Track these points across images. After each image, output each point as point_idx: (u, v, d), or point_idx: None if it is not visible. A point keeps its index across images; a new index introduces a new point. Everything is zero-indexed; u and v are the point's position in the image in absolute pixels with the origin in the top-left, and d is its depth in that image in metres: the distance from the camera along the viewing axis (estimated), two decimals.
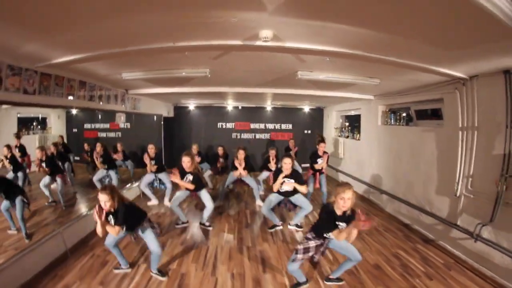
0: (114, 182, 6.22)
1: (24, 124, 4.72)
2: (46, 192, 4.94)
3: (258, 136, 10.14)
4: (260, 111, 10.11)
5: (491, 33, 2.30)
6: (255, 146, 9.88)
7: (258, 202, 6.51)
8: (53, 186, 5.03)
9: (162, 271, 3.67)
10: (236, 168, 6.06)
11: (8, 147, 4.36)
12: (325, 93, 6.09)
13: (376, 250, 4.40)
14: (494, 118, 3.65)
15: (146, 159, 6.11)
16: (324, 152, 5.90)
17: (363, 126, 7.45)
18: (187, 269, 3.86)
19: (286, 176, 4.61)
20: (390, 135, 6.26)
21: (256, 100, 8.78)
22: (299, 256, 3.14)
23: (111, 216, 3.22)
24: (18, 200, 3.93)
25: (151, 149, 6.23)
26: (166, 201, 6.47)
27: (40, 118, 5.37)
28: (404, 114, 6.09)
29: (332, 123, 9.52)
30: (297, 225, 5.24)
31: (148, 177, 6.33)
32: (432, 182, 4.84)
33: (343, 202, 2.90)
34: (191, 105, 9.81)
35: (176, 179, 4.78)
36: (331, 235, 3.05)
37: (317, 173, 5.97)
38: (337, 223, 3.02)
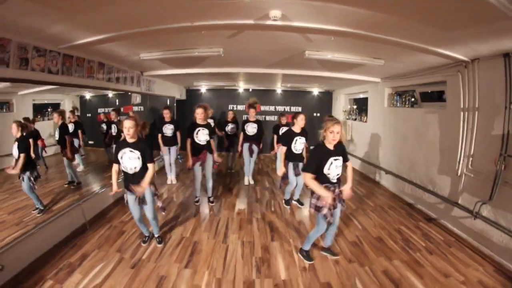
0: None
1: (39, 111, 4.74)
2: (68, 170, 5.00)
3: (268, 118, 10.23)
4: (271, 93, 10.20)
5: (487, 14, 2.38)
6: (265, 128, 9.76)
7: (248, 178, 6.73)
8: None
9: (161, 238, 3.90)
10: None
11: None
12: (332, 74, 6.14)
13: (379, 224, 4.60)
14: (494, 99, 3.71)
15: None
16: None
17: (370, 109, 7.54)
18: (199, 238, 4.12)
19: (298, 134, 4.72)
20: (395, 117, 6.35)
21: (267, 82, 8.84)
22: (324, 210, 3.12)
23: (129, 149, 3.30)
24: (25, 176, 3.86)
25: (166, 114, 6.34)
26: (173, 178, 6.73)
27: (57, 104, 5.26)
28: (409, 97, 6.12)
29: (340, 106, 9.58)
30: (299, 201, 5.39)
31: (166, 158, 6.55)
32: (434, 162, 4.94)
33: (333, 136, 3.00)
34: (203, 87, 9.94)
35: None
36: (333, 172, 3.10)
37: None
38: (332, 158, 3.07)
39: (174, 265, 3.42)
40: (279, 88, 9.99)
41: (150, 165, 3.37)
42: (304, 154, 4.96)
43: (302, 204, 5.36)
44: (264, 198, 5.79)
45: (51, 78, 3.74)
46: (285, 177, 4.92)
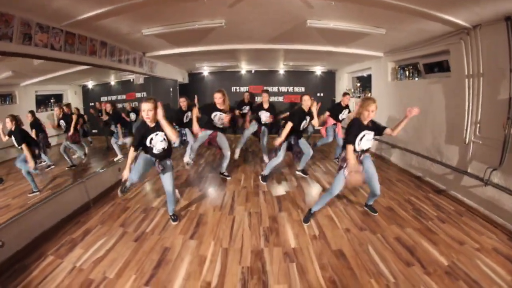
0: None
1: (42, 102, 4.69)
2: (65, 156, 4.93)
3: (271, 99, 9.75)
4: (273, 74, 9.94)
5: None
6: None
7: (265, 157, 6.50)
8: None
9: (176, 216, 3.70)
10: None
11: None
12: (334, 49, 5.92)
13: (388, 195, 4.43)
14: (498, 64, 3.55)
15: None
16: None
17: (374, 84, 7.29)
18: (205, 210, 3.99)
19: (306, 114, 4.68)
20: (399, 90, 6.17)
21: (269, 62, 8.57)
22: (346, 171, 3.19)
23: (155, 133, 3.22)
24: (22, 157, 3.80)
25: (183, 102, 6.25)
26: (186, 158, 6.47)
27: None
28: (413, 70, 5.91)
29: (343, 85, 9.31)
30: (303, 171, 5.40)
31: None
32: (441, 132, 4.76)
33: (368, 114, 3.13)
34: (205, 71, 9.72)
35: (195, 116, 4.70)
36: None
37: (339, 124, 6.05)
38: (365, 131, 3.20)
39: (178, 237, 3.29)
40: (281, 69, 9.72)
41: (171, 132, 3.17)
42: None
43: (306, 174, 5.40)
44: (270, 173, 5.56)
45: (54, 54, 3.61)
46: (277, 150, 4.83)
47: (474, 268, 2.66)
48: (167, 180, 3.44)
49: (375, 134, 3.32)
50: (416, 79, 5.77)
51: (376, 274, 2.62)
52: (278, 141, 4.44)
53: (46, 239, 3.21)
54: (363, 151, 3.33)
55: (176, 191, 3.55)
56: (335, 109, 6.07)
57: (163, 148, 3.31)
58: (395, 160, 6.32)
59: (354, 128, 3.18)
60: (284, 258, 2.89)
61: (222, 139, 4.98)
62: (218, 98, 4.67)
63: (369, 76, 7.59)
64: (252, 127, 6.13)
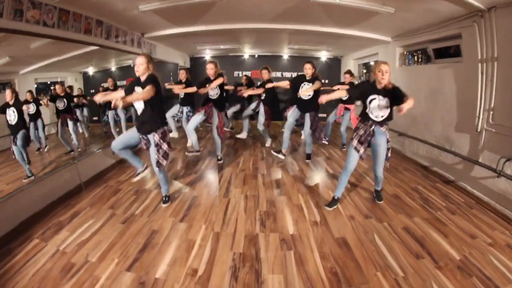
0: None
1: (42, 90, 4.55)
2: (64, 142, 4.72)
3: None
4: (277, 59, 9.54)
5: None
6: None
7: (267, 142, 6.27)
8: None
9: (168, 197, 3.44)
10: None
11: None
12: (340, 30, 5.58)
13: (394, 183, 4.12)
14: None
15: (171, 85, 5.97)
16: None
17: None
18: (199, 192, 3.74)
19: (307, 81, 4.57)
20: (408, 75, 5.80)
21: (273, 45, 8.20)
22: (355, 143, 3.06)
23: (138, 87, 2.96)
24: (20, 135, 3.58)
25: (182, 73, 6.13)
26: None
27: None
28: (422, 55, 5.55)
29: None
30: (308, 156, 5.14)
31: (174, 109, 6.20)
32: (451, 120, 4.41)
33: (381, 75, 2.84)
34: (207, 55, 9.35)
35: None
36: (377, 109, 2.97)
37: (352, 107, 5.69)
38: (376, 95, 2.95)
39: (168, 220, 3.04)
40: (285, 54, 9.32)
41: (148, 87, 2.82)
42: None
43: (309, 158, 5.13)
44: (271, 156, 5.34)
45: (46, 31, 3.43)
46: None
47: (487, 264, 2.36)
48: (151, 155, 3.13)
49: (391, 103, 2.94)
50: (425, 64, 5.39)
51: (383, 266, 2.31)
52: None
53: (34, 222, 3.00)
54: (376, 123, 3.01)
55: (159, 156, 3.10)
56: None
57: (143, 111, 2.96)
58: (400, 148, 5.98)
59: (361, 87, 3.02)
60: (281, 245, 2.59)
61: (214, 117, 4.66)
62: (210, 68, 4.46)
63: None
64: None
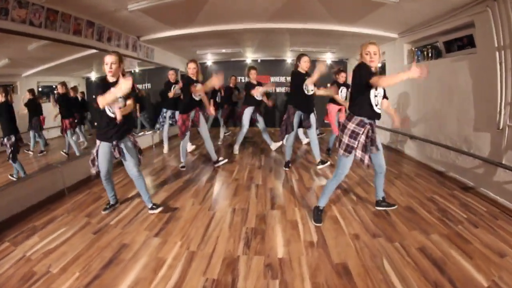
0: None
1: (45, 94, 4.54)
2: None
3: (278, 89, 9.19)
4: (280, 63, 9.07)
5: None
6: (275, 100, 8.89)
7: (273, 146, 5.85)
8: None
9: (156, 204, 3.08)
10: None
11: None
12: (343, 27, 5.10)
13: (407, 193, 3.52)
14: None
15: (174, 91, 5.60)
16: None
17: (389, 70, 6.31)
18: (183, 203, 3.29)
19: (307, 75, 4.08)
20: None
21: (275, 49, 7.77)
22: (357, 152, 2.54)
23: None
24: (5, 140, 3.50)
25: (171, 74, 5.80)
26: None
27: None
28: (432, 49, 5.00)
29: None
30: (322, 162, 4.53)
31: (167, 117, 5.80)
32: (468, 118, 3.82)
33: (370, 57, 2.42)
34: (209, 60, 9.00)
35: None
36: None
37: (343, 108, 5.11)
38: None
39: (142, 233, 2.64)
40: (289, 58, 8.83)
41: (130, 101, 2.73)
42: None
43: (325, 162, 4.53)
44: (269, 165, 4.84)
45: (32, 30, 3.31)
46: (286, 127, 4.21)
47: None
48: (129, 158, 2.87)
49: (384, 94, 2.62)
50: (436, 60, 4.83)
51: None
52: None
53: (9, 225, 2.80)
54: (377, 118, 2.59)
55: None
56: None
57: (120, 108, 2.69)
58: (411, 153, 5.35)
59: (366, 68, 2.41)
60: (265, 272, 2.06)
61: (202, 120, 4.36)
62: (192, 68, 4.15)
63: (383, 65, 6.61)
64: (247, 114, 5.44)
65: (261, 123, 5.56)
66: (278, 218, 2.88)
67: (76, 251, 2.34)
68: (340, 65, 8.95)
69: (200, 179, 4.13)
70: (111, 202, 3.14)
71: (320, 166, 4.49)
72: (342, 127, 2.59)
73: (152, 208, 3.02)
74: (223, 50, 7.57)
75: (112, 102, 2.56)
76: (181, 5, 3.83)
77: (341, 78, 5.16)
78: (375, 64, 2.44)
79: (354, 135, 2.50)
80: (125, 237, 2.58)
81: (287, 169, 4.52)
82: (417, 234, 2.51)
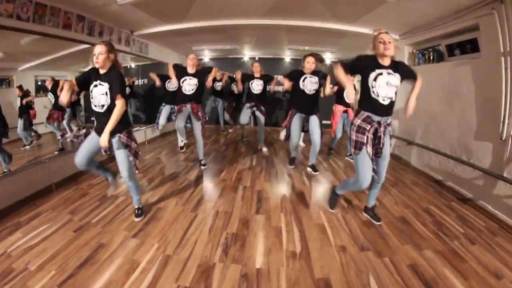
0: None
1: (42, 87, 4.49)
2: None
3: (276, 88, 8.85)
4: (279, 62, 8.89)
5: None
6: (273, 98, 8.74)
7: (262, 145, 5.71)
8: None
9: (141, 210, 2.89)
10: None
11: None
12: (342, 26, 4.91)
13: (402, 202, 3.34)
14: None
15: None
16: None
17: None
18: (166, 204, 3.17)
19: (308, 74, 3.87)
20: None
21: (272, 46, 7.58)
22: (369, 149, 2.34)
23: (99, 81, 2.46)
24: None
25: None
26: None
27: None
28: (434, 52, 4.82)
29: (356, 77, 8.18)
30: (312, 167, 4.29)
31: (166, 110, 5.52)
32: (470, 125, 3.65)
33: (383, 46, 2.22)
34: (206, 56, 8.84)
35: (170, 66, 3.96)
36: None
37: (350, 110, 4.83)
38: (382, 69, 2.28)
39: (121, 233, 2.57)
40: (287, 56, 8.69)
41: (118, 101, 2.39)
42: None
43: (316, 170, 4.25)
44: (259, 165, 4.66)
45: (19, 24, 3.23)
46: (287, 131, 4.08)
47: None
48: (120, 160, 2.60)
49: (402, 79, 2.35)
50: (438, 63, 4.67)
51: None
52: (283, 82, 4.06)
53: None
54: (388, 111, 2.36)
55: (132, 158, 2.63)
56: (340, 86, 4.76)
57: (102, 106, 2.45)
58: (409, 159, 5.18)
59: (360, 59, 2.37)
60: (240, 283, 1.92)
61: (196, 120, 4.13)
62: (190, 59, 3.95)
63: None
64: (245, 114, 5.21)
65: (259, 121, 5.34)
66: (262, 223, 2.71)
67: (55, 248, 2.32)
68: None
69: (187, 179, 3.97)
70: (109, 179, 2.99)
71: (308, 170, 4.33)
72: (351, 125, 2.45)
73: (137, 215, 2.83)
74: (220, 47, 7.41)
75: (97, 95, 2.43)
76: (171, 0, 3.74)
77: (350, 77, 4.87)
78: (390, 53, 2.25)
79: (361, 130, 2.34)
80: (104, 236, 2.51)
81: (292, 166, 4.48)
82: (409, 249, 2.34)
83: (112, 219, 2.80)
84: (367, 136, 2.29)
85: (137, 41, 5.85)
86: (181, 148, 4.81)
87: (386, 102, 2.30)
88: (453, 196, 3.61)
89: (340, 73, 2.36)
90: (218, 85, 7.21)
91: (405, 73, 2.38)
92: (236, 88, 6.19)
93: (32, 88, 4.19)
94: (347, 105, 4.78)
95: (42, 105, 4.41)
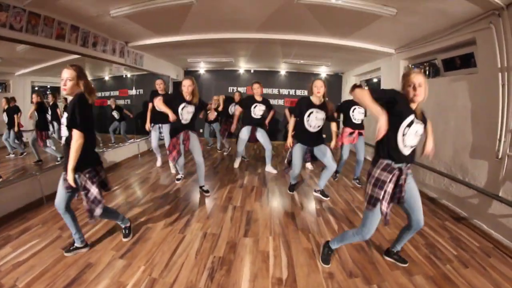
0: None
1: (41, 93, 4.34)
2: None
3: (271, 101, 8.94)
4: (274, 75, 8.93)
5: None
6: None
7: (269, 168, 5.30)
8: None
9: (129, 229, 2.82)
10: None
11: None
12: (337, 40, 4.95)
13: (395, 223, 3.30)
14: None
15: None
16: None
17: (384, 86, 6.20)
18: (154, 223, 3.15)
19: (316, 106, 3.51)
20: None
21: (268, 60, 7.64)
22: (384, 206, 2.04)
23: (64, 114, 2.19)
24: None
25: (159, 84, 5.08)
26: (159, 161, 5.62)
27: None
28: (429, 67, 4.93)
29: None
30: (322, 193, 4.03)
31: (154, 131, 5.20)
32: (465, 143, 3.64)
33: (413, 92, 1.95)
34: (201, 68, 8.87)
35: (160, 104, 3.54)
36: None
37: (356, 133, 4.45)
38: (414, 117, 1.97)
39: (109, 253, 2.55)
40: (283, 69, 8.74)
41: (73, 134, 2.10)
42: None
43: (326, 196, 3.97)
44: (251, 184, 4.60)
45: (12, 34, 3.26)
46: (289, 159, 3.86)
47: None
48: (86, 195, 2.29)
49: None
50: (433, 78, 4.71)
51: None
52: (287, 143, 3.69)
53: None
54: (410, 159, 2.11)
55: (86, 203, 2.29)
56: (344, 107, 4.52)
57: (63, 137, 2.22)
58: None
59: (398, 98, 1.96)
60: None
61: (194, 142, 3.82)
62: (187, 86, 3.58)
63: (378, 81, 6.57)
64: (245, 132, 5.06)
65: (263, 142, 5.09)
66: (250, 247, 2.67)
67: (44, 266, 2.32)
68: (336, 79, 8.81)
69: (177, 196, 3.94)
70: (76, 244, 2.53)
71: (316, 194, 4.09)
72: (367, 175, 2.17)
73: (124, 235, 2.75)
74: (215, 59, 7.44)
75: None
76: (164, 12, 3.74)
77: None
78: (419, 99, 1.98)
79: (379, 183, 2.03)
80: (92, 255, 2.50)
81: (292, 192, 4.19)
82: (399, 275, 2.31)
83: (100, 237, 2.79)
84: (385, 191, 2.02)
85: (132, 52, 5.89)
86: (178, 179, 4.49)
87: (408, 152, 2.07)
88: (447, 215, 3.60)
89: (367, 99, 1.92)
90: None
91: (424, 120, 2.09)
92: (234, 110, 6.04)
93: (28, 93, 4.17)
94: (354, 126, 4.43)
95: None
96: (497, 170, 3.10)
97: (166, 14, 3.90)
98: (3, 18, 3.09)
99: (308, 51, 5.97)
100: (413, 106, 2.00)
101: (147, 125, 5.20)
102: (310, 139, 3.65)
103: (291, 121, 3.75)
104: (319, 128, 3.61)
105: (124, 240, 2.71)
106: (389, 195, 2.04)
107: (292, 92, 8.96)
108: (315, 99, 3.53)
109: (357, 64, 7.34)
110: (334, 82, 8.91)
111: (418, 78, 1.95)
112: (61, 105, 4.44)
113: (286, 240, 2.78)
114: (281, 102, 9.02)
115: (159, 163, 5.55)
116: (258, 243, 2.75)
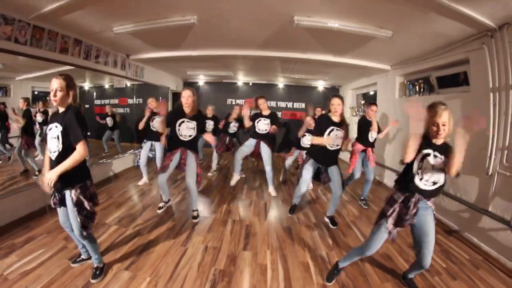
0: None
1: (39, 98, 4.52)
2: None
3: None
4: (272, 88, 9.13)
5: None
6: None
7: (271, 189, 4.93)
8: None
9: (102, 269, 2.49)
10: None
11: None
12: (334, 58, 5.13)
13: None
14: None
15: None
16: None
17: (380, 102, 6.31)
18: (157, 236, 3.26)
19: (336, 124, 3.31)
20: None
21: (266, 74, 7.84)
22: (389, 225, 2.11)
23: (54, 124, 2.11)
24: None
25: (151, 102, 4.91)
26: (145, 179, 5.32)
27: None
28: (424, 84, 5.07)
29: (347, 102, 8.39)
30: (332, 219, 3.75)
31: (145, 148, 5.05)
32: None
33: (437, 130, 1.96)
34: (201, 80, 9.06)
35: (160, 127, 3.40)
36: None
37: (369, 150, 4.33)
38: (432, 151, 2.00)
39: (114, 265, 2.65)
40: (281, 83, 8.96)
41: (78, 146, 2.05)
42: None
43: (335, 224, 3.69)
44: (250, 198, 4.72)
45: (17, 47, 3.38)
46: (298, 176, 3.68)
47: None
48: (70, 216, 2.22)
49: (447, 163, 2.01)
50: (428, 95, 4.91)
51: None
52: (323, 140, 3.26)
53: None
54: (423, 195, 2.08)
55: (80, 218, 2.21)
56: (363, 126, 4.32)
57: (55, 152, 2.09)
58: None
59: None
60: None
61: (190, 165, 3.49)
62: (186, 97, 3.36)
63: (375, 94, 6.78)
64: (250, 143, 4.79)
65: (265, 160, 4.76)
66: (249, 260, 2.82)
67: (51, 276, 2.39)
68: (335, 92, 9.00)
69: (179, 209, 4.06)
70: (82, 256, 2.61)
71: (326, 220, 3.80)
72: (389, 199, 2.21)
73: (94, 275, 2.42)
74: (214, 73, 7.65)
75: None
76: (166, 30, 3.87)
77: (371, 112, 4.28)
78: (443, 136, 1.99)
79: (391, 202, 2.13)
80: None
81: (290, 214, 4.01)
82: (388, 287, 2.47)
83: (106, 248, 2.89)
84: (394, 209, 2.09)
85: (133, 64, 6.08)
86: (160, 208, 3.98)
87: (428, 187, 2.06)
88: (439, 228, 3.75)
89: (415, 143, 1.97)
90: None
91: (448, 152, 2.00)
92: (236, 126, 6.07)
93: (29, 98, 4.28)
94: (367, 144, 4.30)
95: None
96: (487, 186, 3.27)
97: (168, 32, 4.04)
98: (8, 32, 3.22)
99: (306, 67, 6.19)
100: (438, 141, 2.03)
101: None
102: (326, 158, 3.45)
103: (316, 139, 3.33)
104: (338, 147, 3.39)
105: (92, 281, 2.36)
106: (396, 214, 2.09)
107: (290, 105, 9.17)
108: (335, 117, 3.35)
109: (353, 78, 7.57)
110: (331, 95, 9.01)
111: (443, 117, 1.95)
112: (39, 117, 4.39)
113: (283, 254, 2.93)
114: (279, 114, 9.13)
115: (142, 182, 5.22)
116: (257, 257, 2.89)
